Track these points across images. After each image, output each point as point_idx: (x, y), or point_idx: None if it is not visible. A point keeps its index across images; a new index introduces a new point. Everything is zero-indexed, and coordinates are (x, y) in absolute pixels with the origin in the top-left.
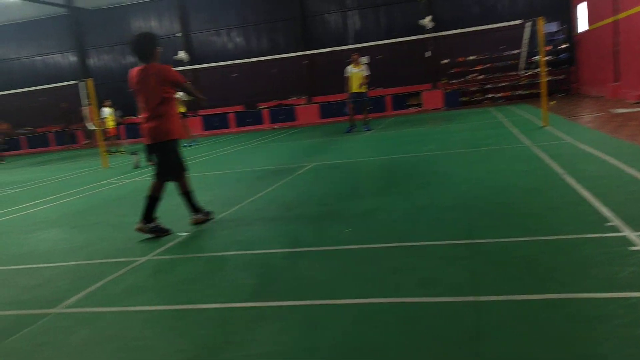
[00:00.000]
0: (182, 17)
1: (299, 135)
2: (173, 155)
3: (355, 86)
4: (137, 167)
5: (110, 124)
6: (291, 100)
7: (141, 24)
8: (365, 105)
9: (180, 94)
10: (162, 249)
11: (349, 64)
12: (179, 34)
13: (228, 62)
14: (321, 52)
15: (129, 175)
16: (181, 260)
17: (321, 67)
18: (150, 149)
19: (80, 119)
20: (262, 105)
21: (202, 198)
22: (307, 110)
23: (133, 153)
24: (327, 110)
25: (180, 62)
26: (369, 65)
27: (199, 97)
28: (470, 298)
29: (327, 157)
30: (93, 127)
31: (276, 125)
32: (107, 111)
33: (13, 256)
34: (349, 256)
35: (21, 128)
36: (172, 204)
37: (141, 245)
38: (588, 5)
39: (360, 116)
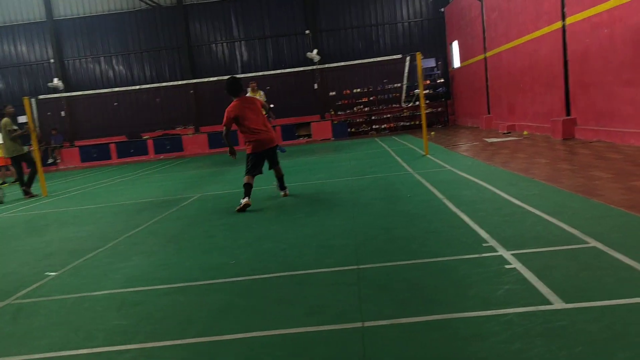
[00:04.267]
0: (56, 42)
1: (185, 165)
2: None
3: None
4: (1, 202)
5: None
6: (177, 130)
7: (8, 48)
8: None
9: None
10: (26, 290)
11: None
12: (52, 60)
13: (108, 90)
14: (208, 82)
15: None
16: (46, 302)
17: (209, 97)
18: (268, 152)
19: None
20: (146, 136)
21: (74, 234)
22: (194, 140)
23: None
24: (216, 141)
25: (54, 90)
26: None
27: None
28: (357, 324)
29: (215, 187)
30: None
31: (162, 156)
32: None
33: None
34: (233, 289)
35: None
36: (41, 242)
37: (1, 288)
38: (459, 43)
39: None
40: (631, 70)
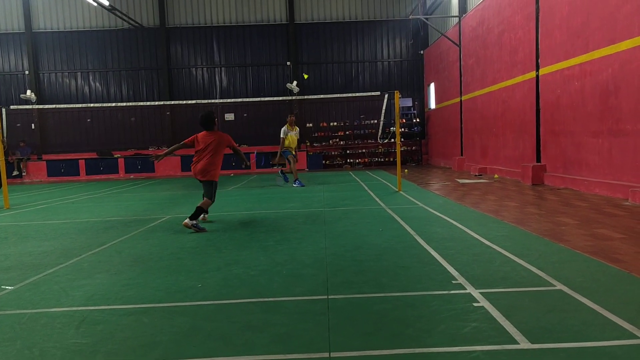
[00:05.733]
0: (33, 54)
1: (156, 186)
2: (214, 189)
3: (292, 146)
4: None
5: None
6: (150, 151)
7: None
8: (285, 162)
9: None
10: None
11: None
12: (27, 72)
13: (82, 105)
14: (186, 104)
15: None
16: (0, 317)
17: (185, 120)
18: (201, 181)
19: None
20: (117, 154)
21: (35, 248)
22: (166, 161)
23: None
24: (189, 164)
25: (26, 101)
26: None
27: (244, 158)
28: (324, 354)
29: (185, 209)
30: None
31: (132, 176)
32: None
33: None
34: (199, 312)
35: None
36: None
37: None
38: (436, 85)
39: (280, 169)
40: (598, 123)
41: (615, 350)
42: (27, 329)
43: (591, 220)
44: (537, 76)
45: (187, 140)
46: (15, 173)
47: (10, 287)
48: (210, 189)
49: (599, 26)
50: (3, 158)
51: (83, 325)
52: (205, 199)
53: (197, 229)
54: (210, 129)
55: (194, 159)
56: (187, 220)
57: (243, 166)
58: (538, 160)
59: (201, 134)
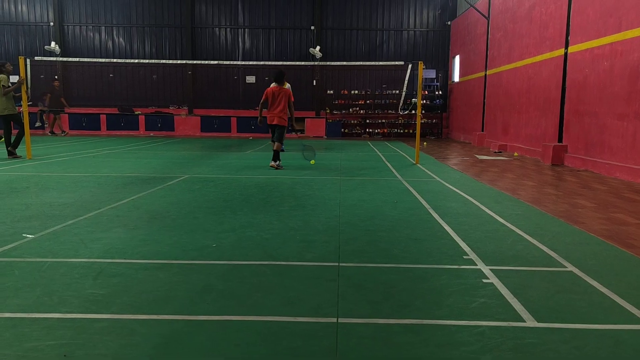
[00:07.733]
0: (59, 6)
1: (175, 146)
2: (284, 131)
3: None
4: None
5: None
6: (170, 110)
7: (8, 6)
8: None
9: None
10: (1, 249)
11: (235, 79)
12: (52, 24)
13: (105, 60)
14: (208, 64)
15: None
16: (21, 263)
17: (206, 80)
18: (274, 127)
19: None
20: (138, 111)
21: (55, 199)
22: (186, 121)
23: None
24: (209, 124)
25: (50, 53)
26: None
27: (292, 116)
28: (332, 319)
29: (203, 170)
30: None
31: (152, 133)
32: None
33: None
34: (213, 271)
35: None
36: (21, 204)
37: None
38: (461, 58)
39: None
40: (625, 105)
41: (620, 334)
42: (46, 277)
43: (609, 204)
44: (566, 54)
45: (263, 99)
46: (37, 124)
47: (31, 236)
48: (282, 132)
49: (633, 5)
50: (27, 108)
51: (100, 277)
52: (276, 142)
53: (279, 167)
54: (281, 83)
55: (268, 111)
56: (272, 162)
57: (290, 127)
58: (560, 140)
59: (271, 89)
